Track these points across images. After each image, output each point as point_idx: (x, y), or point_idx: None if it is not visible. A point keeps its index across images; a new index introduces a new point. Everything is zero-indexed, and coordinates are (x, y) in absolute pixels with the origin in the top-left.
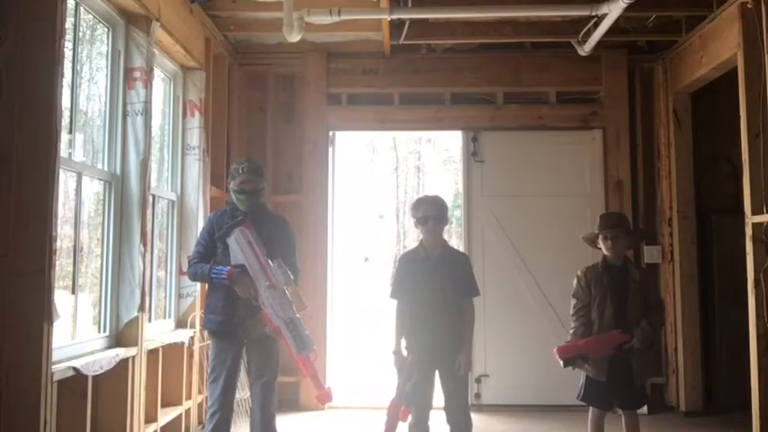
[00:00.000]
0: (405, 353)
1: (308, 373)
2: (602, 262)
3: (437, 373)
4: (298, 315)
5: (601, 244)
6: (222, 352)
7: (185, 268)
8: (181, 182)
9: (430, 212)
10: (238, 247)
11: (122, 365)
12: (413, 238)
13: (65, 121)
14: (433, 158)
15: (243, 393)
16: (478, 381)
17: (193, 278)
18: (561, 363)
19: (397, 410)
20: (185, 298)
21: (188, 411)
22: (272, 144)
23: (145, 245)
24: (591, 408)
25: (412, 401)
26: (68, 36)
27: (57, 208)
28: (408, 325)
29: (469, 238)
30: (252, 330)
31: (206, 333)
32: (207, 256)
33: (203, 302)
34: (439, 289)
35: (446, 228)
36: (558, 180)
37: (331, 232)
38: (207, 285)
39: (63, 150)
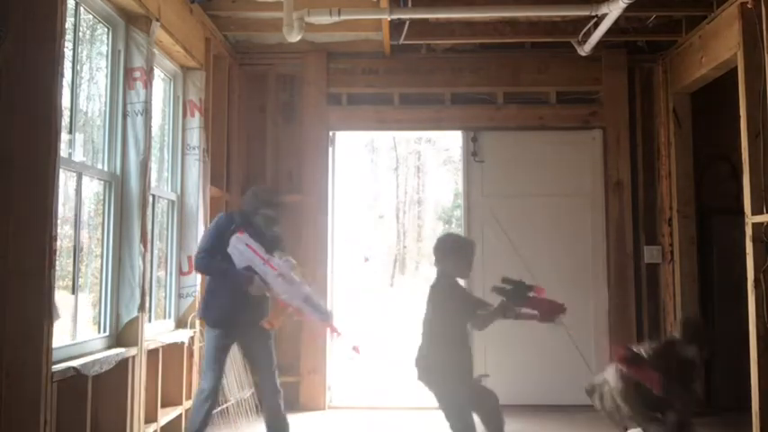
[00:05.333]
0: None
1: (338, 334)
2: None
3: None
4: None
5: None
6: (220, 342)
7: (185, 268)
8: (181, 182)
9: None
10: (239, 252)
11: (122, 365)
12: (412, 237)
13: (65, 121)
14: (433, 158)
15: (243, 393)
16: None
17: (206, 270)
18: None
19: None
20: (185, 298)
21: (188, 411)
22: (272, 144)
23: (145, 245)
24: None
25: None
26: (68, 36)
27: (57, 208)
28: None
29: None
30: (251, 327)
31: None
32: (213, 253)
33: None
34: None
35: (447, 228)
36: (558, 180)
37: (331, 232)
38: (208, 279)
39: (63, 150)
